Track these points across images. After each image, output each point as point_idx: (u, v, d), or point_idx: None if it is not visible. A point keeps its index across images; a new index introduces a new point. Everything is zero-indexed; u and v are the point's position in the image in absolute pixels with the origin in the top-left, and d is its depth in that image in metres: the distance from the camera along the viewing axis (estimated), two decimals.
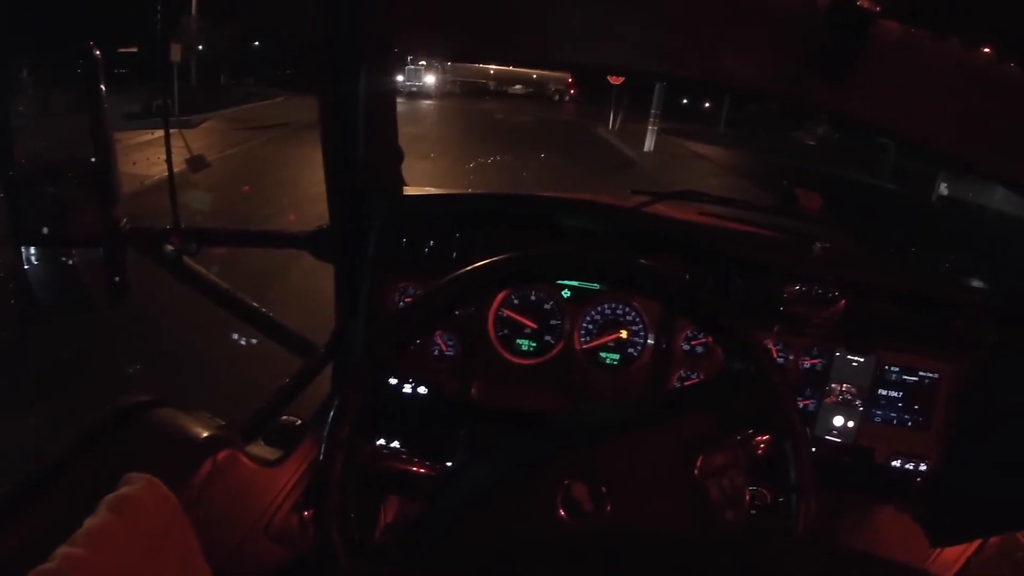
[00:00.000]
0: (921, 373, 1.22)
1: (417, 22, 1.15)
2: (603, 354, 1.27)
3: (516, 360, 1.27)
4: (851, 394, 1.23)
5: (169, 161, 1.27)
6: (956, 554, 1.29)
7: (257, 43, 21.66)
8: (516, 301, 1.27)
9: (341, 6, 1.10)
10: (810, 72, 1.02)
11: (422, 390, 1.28)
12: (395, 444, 1.25)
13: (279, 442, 1.27)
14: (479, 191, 1.84)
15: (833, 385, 1.24)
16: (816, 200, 1.29)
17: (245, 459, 1.14)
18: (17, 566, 0.66)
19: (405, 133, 1.29)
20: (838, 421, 1.24)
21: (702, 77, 1.18)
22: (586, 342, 1.27)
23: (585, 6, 1.09)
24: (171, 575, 0.81)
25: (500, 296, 1.26)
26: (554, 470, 0.70)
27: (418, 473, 0.79)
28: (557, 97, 24.62)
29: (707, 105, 23.40)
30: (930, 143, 1.07)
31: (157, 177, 5.82)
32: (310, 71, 1.18)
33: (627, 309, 1.26)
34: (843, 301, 1.20)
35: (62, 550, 0.69)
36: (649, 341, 1.26)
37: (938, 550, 1.28)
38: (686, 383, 1.26)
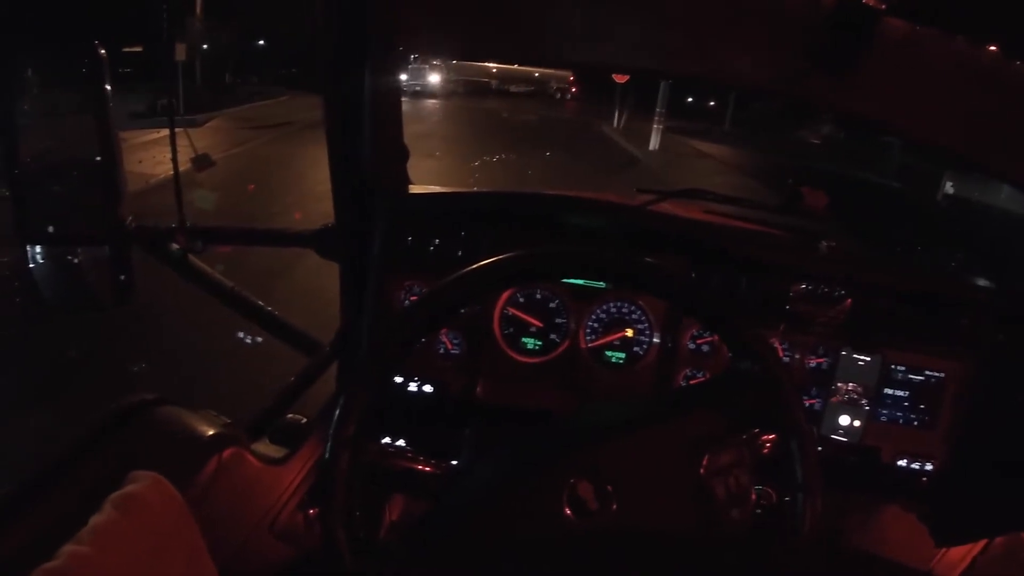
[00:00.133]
0: (927, 372, 1.21)
1: (420, 21, 1.15)
2: (609, 353, 1.27)
3: (521, 358, 1.27)
4: (857, 393, 1.23)
5: (175, 160, 1.27)
6: (961, 554, 1.29)
7: (261, 42, 21.71)
8: (522, 299, 1.27)
9: (345, 6, 1.10)
10: (813, 70, 1.01)
11: (427, 388, 1.28)
12: (400, 442, 1.25)
13: (284, 440, 1.27)
14: (484, 190, 1.84)
15: (839, 384, 1.23)
16: (822, 199, 1.29)
17: (250, 457, 1.14)
18: (20, 565, 0.66)
19: (410, 131, 1.29)
20: (844, 420, 1.24)
21: (705, 75, 1.18)
22: (592, 341, 1.27)
23: (586, 5, 1.09)
24: (176, 573, 0.81)
25: (506, 294, 1.26)
26: (559, 469, 0.70)
27: (423, 471, 0.79)
28: (559, 95, 24.57)
29: (712, 104, 23.32)
30: (934, 142, 1.07)
31: (162, 176, 5.85)
32: (314, 70, 1.18)
33: (633, 308, 1.26)
34: (849, 300, 1.20)
35: (68, 548, 0.69)
36: (655, 340, 1.26)
37: (943, 550, 1.28)
38: (692, 382, 1.26)
